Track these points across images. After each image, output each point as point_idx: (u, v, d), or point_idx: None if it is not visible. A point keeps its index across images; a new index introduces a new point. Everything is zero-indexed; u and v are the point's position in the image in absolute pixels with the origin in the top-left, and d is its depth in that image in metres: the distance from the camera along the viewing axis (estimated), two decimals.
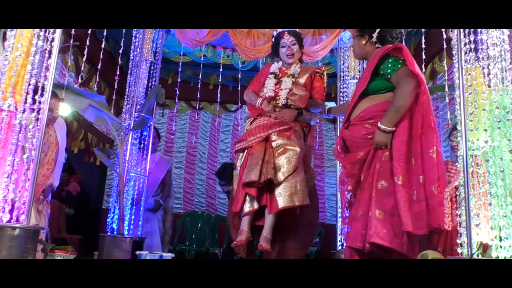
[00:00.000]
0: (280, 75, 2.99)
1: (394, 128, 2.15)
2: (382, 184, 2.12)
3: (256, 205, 2.60)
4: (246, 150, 2.79)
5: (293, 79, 2.93)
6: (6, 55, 1.88)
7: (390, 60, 2.24)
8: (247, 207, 2.62)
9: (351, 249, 2.19)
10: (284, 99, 2.88)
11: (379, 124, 2.17)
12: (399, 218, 2.04)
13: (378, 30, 2.34)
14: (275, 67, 3.07)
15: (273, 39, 3.10)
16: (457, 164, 2.16)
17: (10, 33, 1.89)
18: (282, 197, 2.56)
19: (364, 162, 2.23)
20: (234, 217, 2.88)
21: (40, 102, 1.93)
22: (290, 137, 2.74)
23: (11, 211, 1.86)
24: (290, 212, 2.63)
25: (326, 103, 3.00)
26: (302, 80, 2.94)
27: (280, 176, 2.60)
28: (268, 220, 2.60)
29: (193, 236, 5.95)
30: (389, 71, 2.23)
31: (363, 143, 2.26)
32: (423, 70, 3.41)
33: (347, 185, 2.30)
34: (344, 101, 3.88)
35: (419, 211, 2.03)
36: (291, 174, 2.61)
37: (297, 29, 3.05)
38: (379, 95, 2.29)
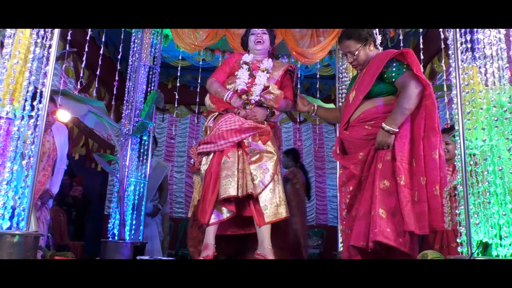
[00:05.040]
0: (252, 68, 2.73)
1: (397, 130, 2.17)
2: (384, 184, 2.13)
3: (225, 216, 2.41)
4: (213, 154, 2.52)
5: (268, 75, 2.68)
6: (4, 63, 1.89)
7: (394, 65, 2.27)
8: (213, 218, 2.40)
9: (354, 249, 2.19)
10: (257, 96, 2.63)
11: (383, 124, 2.18)
12: (401, 217, 2.06)
13: (377, 32, 2.35)
14: (247, 58, 2.78)
15: (243, 36, 2.89)
16: (456, 163, 2.16)
17: (7, 40, 1.90)
18: (268, 210, 2.40)
19: (364, 163, 2.24)
20: (192, 227, 2.68)
21: (38, 109, 1.93)
22: (267, 142, 2.53)
23: (11, 218, 1.86)
24: (276, 223, 2.47)
25: (326, 105, 2.97)
26: (276, 76, 2.72)
27: (258, 186, 2.41)
28: (263, 231, 2.41)
29: None
30: (393, 75, 2.25)
31: (363, 144, 2.28)
32: (422, 70, 3.41)
33: (348, 186, 2.29)
34: (341, 103, 3.88)
35: (421, 212, 2.05)
36: (270, 183, 2.43)
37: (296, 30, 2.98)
38: (379, 98, 2.31)
